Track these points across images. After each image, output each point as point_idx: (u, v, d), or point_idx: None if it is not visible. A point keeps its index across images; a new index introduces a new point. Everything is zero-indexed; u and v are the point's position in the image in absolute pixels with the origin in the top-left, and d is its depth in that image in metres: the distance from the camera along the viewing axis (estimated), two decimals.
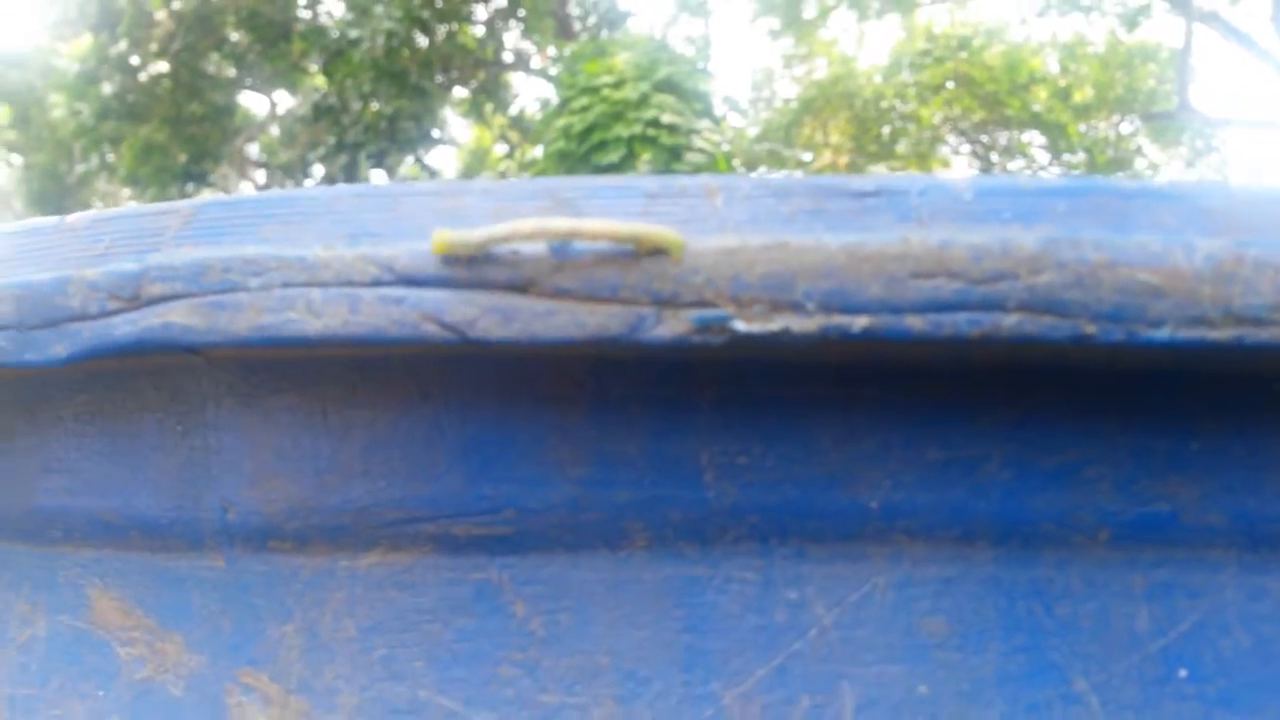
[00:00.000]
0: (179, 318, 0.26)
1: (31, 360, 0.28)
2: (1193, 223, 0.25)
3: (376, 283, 0.26)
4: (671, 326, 0.24)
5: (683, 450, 0.27)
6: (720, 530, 0.27)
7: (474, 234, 0.25)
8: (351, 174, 12.24)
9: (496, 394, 0.27)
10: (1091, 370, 0.25)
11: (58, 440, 0.32)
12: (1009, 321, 0.23)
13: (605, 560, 0.28)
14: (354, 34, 10.33)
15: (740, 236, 0.25)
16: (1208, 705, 0.26)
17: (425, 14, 10.51)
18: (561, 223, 0.25)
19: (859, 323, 0.24)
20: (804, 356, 0.25)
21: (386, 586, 0.29)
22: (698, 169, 8.38)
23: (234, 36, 12.33)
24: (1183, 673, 0.26)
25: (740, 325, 0.24)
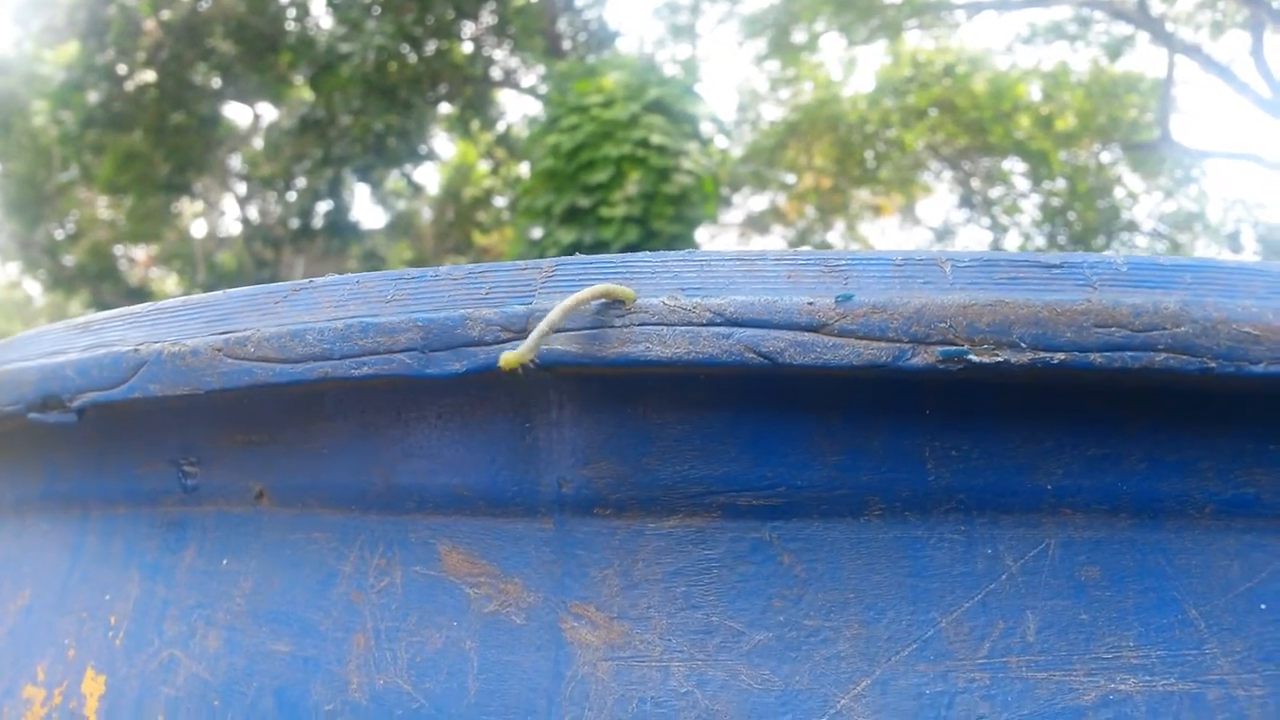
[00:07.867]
0: (561, 345, 0.37)
1: (432, 374, 0.39)
2: (1276, 290, 0.36)
3: (710, 323, 0.36)
4: (924, 358, 0.35)
5: (911, 445, 0.38)
6: (936, 503, 0.38)
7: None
8: (336, 188, 12.25)
9: (778, 402, 0.38)
10: (1204, 393, 0.37)
11: (421, 433, 0.42)
12: (1159, 359, 0.35)
13: (850, 524, 0.39)
14: (345, 48, 10.39)
15: (968, 295, 0.36)
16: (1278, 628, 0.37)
17: (417, 30, 10.58)
18: (597, 288, 0.37)
19: (1057, 358, 0.35)
20: (1005, 379, 0.36)
21: (685, 542, 0.39)
22: (685, 190, 8.48)
23: (221, 47, 12.33)
24: (1263, 606, 0.37)
25: (974, 358, 0.35)
